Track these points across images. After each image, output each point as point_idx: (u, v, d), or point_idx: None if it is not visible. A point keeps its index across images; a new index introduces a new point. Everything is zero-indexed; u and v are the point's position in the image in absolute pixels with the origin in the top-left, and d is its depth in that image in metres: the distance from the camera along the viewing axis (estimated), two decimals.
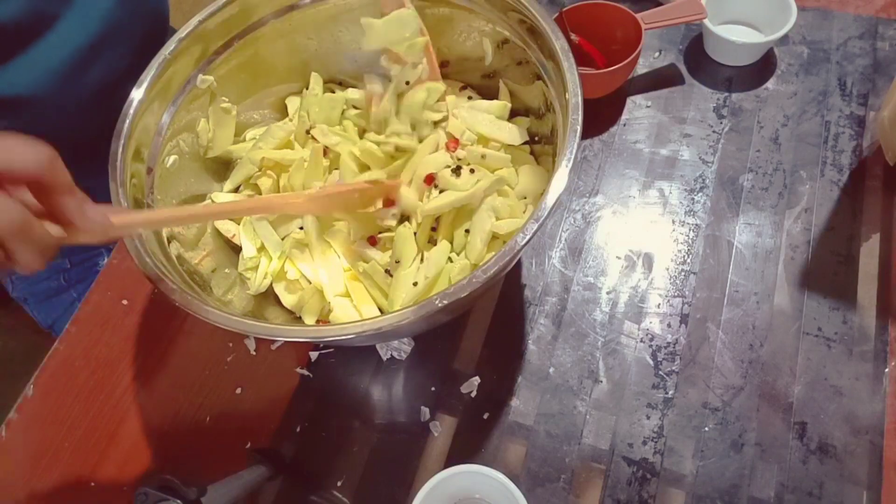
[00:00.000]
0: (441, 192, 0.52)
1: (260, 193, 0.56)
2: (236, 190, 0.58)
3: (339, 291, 0.52)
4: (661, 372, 0.53)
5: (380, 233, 0.53)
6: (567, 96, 0.45)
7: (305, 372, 0.57)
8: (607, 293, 0.57)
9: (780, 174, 0.62)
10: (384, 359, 0.56)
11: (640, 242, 0.60)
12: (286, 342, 0.58)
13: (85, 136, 0.55)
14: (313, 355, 0.57)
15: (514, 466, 0.51)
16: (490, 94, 0.59)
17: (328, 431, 0.54)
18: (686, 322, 0.55)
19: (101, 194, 0.41)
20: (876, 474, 0.48)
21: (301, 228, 0.55)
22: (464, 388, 0.54)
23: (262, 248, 0.55)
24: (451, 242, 0.53)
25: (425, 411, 0.54)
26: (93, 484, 0.54)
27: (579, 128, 0.43)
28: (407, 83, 0.54)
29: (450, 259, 0.52)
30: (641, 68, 0.70)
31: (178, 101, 0.52)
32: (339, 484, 0.52)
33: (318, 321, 0.52)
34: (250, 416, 0.55)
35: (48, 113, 0.61)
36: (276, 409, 0.55)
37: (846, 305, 0.55)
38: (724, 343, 0.54)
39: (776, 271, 0.57)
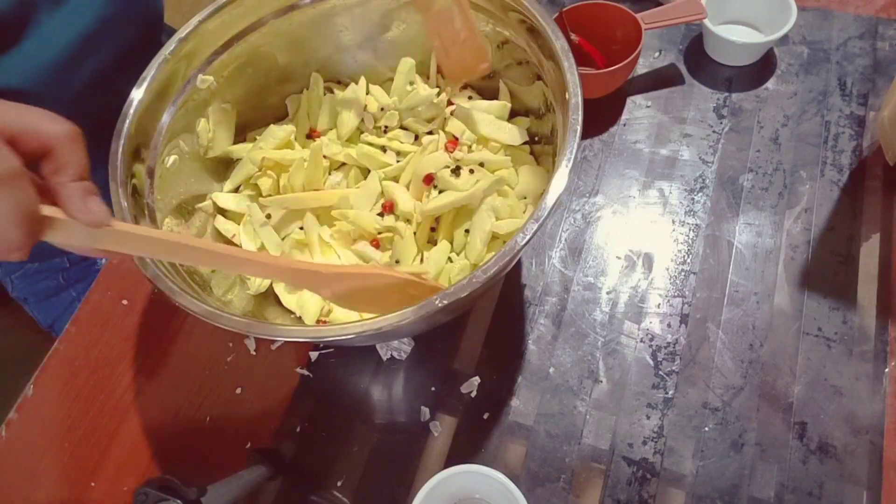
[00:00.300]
0: (440, 192, 0.52)
1: (260, 194, 0.56)
2: (236, 190, 0.58)
3: None
4: (661, 372, 0.53)
5: (380, 233, 0.53)
6: (567, 96, 0.45)
7: (305, 372, 0.57)
8: (607, 293, 0.57)
9: (780, 174, 0.62)
10: (384, 359, 0.56)
11: (640, 242, 0.60)
12: (286, 342, 0.58)
13: None
14: (313, 355, 0.57)
15: (514, 466, 0.51)
16: (490, 94, 0.59)
17: (328, 431, 0.54)
18: (686, 322, 0.55)
19: None
20: (876, 474, 0.48)
21: (301, 228, 0.55)
22: (464, 388, 0.54)
23: (262, 249, 0.55)
24: (451, 242, 0.53)
25: (425, 411, 0.54)
26: (93, 484, 0.54)
27: (579, 128, 0.43)
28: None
29: (450, 259, 0.52)
30: (641, 68, 0.70)
31: (178, 101, 0.52)
32: (339, 484, 0.52)
33: (318, 321, 0.52)
34: (250, 416, 0.55)
35: (41, 107, 0.61)
36: (276, 409, 0.55)
37: (846, 305, 0.55)
38: (724, 343, 0.54)
39: (776, 271, 0.57)
